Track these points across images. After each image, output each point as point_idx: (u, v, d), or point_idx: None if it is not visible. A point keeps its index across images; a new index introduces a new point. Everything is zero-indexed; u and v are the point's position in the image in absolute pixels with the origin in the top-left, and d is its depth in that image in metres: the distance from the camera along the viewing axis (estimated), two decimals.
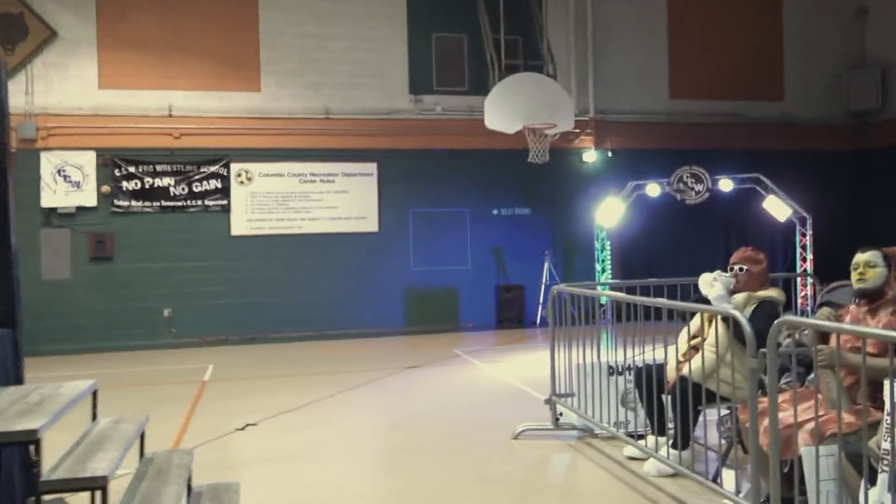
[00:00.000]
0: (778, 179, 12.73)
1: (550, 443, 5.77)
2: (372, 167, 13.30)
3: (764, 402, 3.66)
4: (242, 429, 6.46)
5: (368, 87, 13.32)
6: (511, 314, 13.28)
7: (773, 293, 5.03)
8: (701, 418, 4.79)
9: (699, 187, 12.54)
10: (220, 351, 11.61)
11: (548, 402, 6.01)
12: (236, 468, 5.33)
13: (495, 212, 13.87)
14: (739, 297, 4.98)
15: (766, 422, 3.58)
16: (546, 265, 13.55)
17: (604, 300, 9.70)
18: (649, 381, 5.04)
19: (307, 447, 5.87)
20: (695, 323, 5.08)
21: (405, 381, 8.56)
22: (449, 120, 13.56)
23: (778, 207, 11.90)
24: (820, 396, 3.87)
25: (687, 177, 12.64)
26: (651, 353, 5.24)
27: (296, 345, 12.04)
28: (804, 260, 11.80)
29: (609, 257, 13.71)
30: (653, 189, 12.93)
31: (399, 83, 13.48)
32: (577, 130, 13.59)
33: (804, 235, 11.79)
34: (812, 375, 4.86)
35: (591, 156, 14.10)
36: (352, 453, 5.71)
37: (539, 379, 8.33)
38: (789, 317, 4.71)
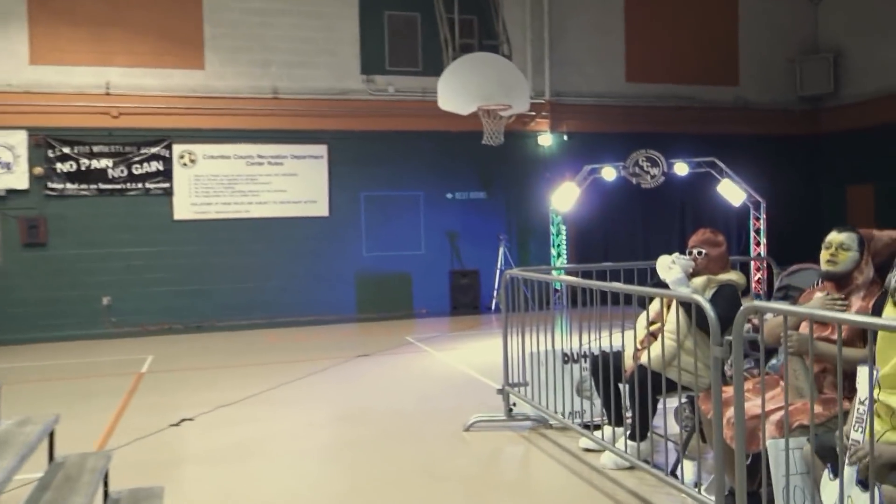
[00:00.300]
0: (733, 163, 12.65)
1: (503, 434, 5.49)
2: (322, 149, 12.84)
3: (728, 391, 3.42)
4: (177, 424, 6.05)
5: (318, 67, 12.83)
6: (466, 300, 13.01)
7: (733, 276, 4.81)
8: (659, 407, 4.55)
9: (655, 171, 12.40)
10: (163, 340, 11.09)
11: (500, 391, 5.74)
12: (165, 469, 4.94)
13: (450, 195, 13.55)
14: (698, 280, 4.75)
15: (729, 412, 3.34)
16: (501, 250, 13.29)
17: (558, 285, 9.49)
18: (606, 369, 4.80)
19: (245, 444, 5.49)
20: (653, 308, 4.84)
21: (354, 371, 8.21)
22: (402, 101, 13.16)
23: (732, 191, 11.82)
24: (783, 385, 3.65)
25: (643, 160, 12.48)
26: (608, 340, 5.00)
27: (243, 333, 11.58)
28: (758, 244, 11.76)
29: (564, 242, 13.51)
30: (608, 173, 12.74)
31: (350, 63, 13.02)
32: (533, 113, 13.32)
33: (758, 220, 11.74)
34: (773, 362, 4.68)
35: (546, 139, 13.86)
36: (292, 450, 5.36)
37: (493, 367, 8.06)
38: (757, 302, 4.47)
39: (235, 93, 12.36)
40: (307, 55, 12.75)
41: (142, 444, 5.51)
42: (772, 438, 3.13)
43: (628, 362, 4.70)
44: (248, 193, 12.47)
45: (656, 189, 12.61)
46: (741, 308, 3.09)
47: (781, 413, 3.35)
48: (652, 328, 4.78)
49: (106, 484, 3.87)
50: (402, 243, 13.28)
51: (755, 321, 4.28)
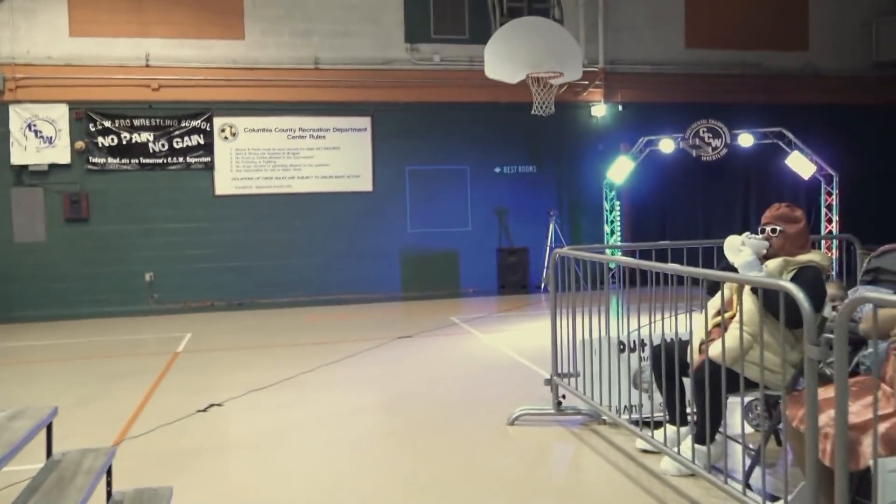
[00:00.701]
0: (802, 135, 11.77)
1: (551, 430, 5.00)
2: (365, 122, 12.40)
3: (829, 392, 2.83)
4: (205, 410, 5.71)
5: (361, 36, 12.35)
6: (514, 279, 12.47)
7: (814, 257, 4.15)
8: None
9: (717, 143, 11.61)
10: (203, 318, 10.87)
11: (549, 382, 5.23)
12: (185, 459, 4.59)
13: (498, 170, 12.98)
14: (773, 263, 4.12)
15: (823, 421, 2.78)
16: (552, 227, 12.70)
17: (613, 265, 8.89)
18: (669, 361, 4.24)
19: (272, 433, 5.12)
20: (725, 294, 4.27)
21: (395, 354, 7.80)
22: (448, 71, 12.61)
23: (802, 164, 10.97)
24: (888, 389, 3.07)
25: (704, 131, 11.70)
26: (669, 327, 4.45)
27: (285, 311, 11.30)
28: (830, 221, 10.91)
29: (619, 218, 12.84)
30: (667, 145, 12.00)
31: (394, 31, 12.50)
32: (586, 82, 12.63)
33: (830, 195, 10.87)
34: (862, 357, 4.08)
35: (600, 109, 13.15)
36: (321, 441, 4.96)
37: (542, 352, 7.55)
38: (869, 292, 3.83)
39: (277, 63, 11.98)
40: (349, 23, 12.27)
41: (165, 431, 5.18)
42: (880, 457, 2.56)
43: (695, 355, 4.14)
44: (289, 168, 12.13)
45: (718, 162, 11.82)
46: (848, 299, 2.52)
47: (890, 424, 2.78)
48: (718, 319, 4.19)
49: (110, 483, 3.51)
50: (448, 220, 12.80)
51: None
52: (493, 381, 6.53)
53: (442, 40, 12.64)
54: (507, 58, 10.31)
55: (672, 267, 4.23)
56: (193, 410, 5.69)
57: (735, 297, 4.09)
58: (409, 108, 12.48)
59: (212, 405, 5.83)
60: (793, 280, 3.97)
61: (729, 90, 13.38)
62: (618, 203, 12.81)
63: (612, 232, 12.83)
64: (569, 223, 13.19)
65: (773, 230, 4.14)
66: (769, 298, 3.40)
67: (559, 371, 5.21)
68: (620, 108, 13.20)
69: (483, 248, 12.87)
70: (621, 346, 5.07)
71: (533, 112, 10.45)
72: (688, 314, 4.73)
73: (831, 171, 10.83)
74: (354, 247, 12.36)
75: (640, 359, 5.01)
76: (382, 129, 12.44)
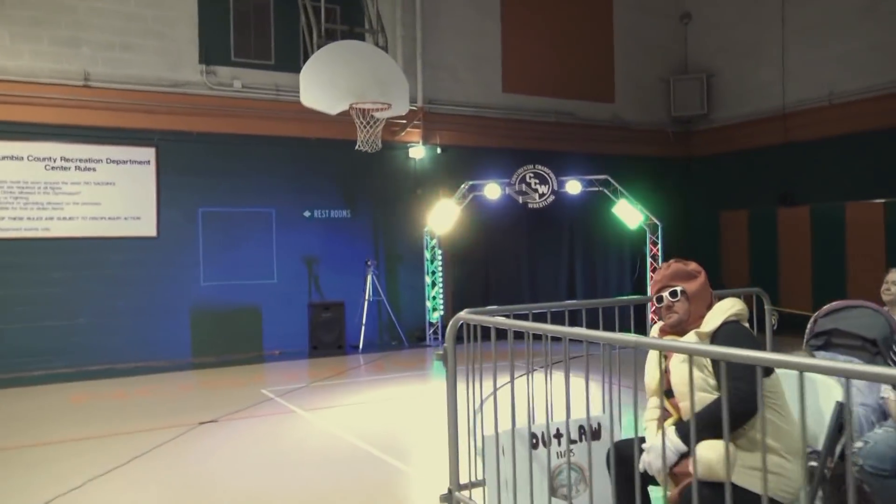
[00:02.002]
0: (622, 184, 11.58)
1: None
2: (149, 153, 10.30)
3: None
4: None
5: (145, 51, 10.32)
6: (329, 338, 10.86)
7: (733, 307, 3.13)
8: None
9: (543, 189, 11.04)
10: None
11: (447, 499, 3.80)
12: None
13: (308, 214, 11.43)
14: (686, 339, 3.13)
15: None
16: (370, 278, 11.34)
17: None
18: (626, 464, 3.04)
19: None
20: (648, 373, 3.23)
21: (199, 450, 5.91)
22: (251, 99, 10.93)
23: (629, 213, 10.67)
24: None
25: (530, 177, 11.09)
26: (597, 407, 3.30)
27: (39, 390, 8.72)
28: (654, 271, 10.68)
29: (440, 268, 11.80)
30: (492, 190, 11.22)
31: (186, 49, 10.61)
32: (404, 121, 11.59)
33: (655, 244, 10.66)
34: (860, 444, 3.19)
35: (418, 151, 12.13)
36: None
37: (391, 435, 6.11)
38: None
39: (32, 76, 9.58)
40: (130, 35, 10.21)
41: None
42: None
43: (663, 481, 2.96)
44: (47, 206, 9.67)
45: (543, 210, 11.24)
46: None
47: None
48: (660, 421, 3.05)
49: None
50: (249, 270, 10.97)
51: None
52: (344, 486, 4.95)
53: (244, 64, 10.95)
54: (326, 84, 8.98)
55: (619, 338, 2.99)
56: None
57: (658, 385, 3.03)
58: (203, 139, 10.59)
59: None
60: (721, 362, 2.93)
61: (545, 137, 13.05)
62: (439, 252, 11.78)
63: (434, 283, 11.75)
64: (386, 273, 11.91)
65: (673, 293, 3.15)
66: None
67: (460, 481, 3.80)
68: (439, 150, 12.29)
69: (291, 302, 11.18)
70: (534, 440, 3.83)
71: (357, 147, 9.17)
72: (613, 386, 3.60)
73: (656, 220, 10.64)
74: (132, 304, 10.11)
75: (560, 453, 3.80)
76: (170, 162, 10.41)
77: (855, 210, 12.13)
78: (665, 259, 10.80)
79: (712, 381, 2.90)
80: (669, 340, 3.10)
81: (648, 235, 10.75)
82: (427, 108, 12.19)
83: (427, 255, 11.75)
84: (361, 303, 11.28)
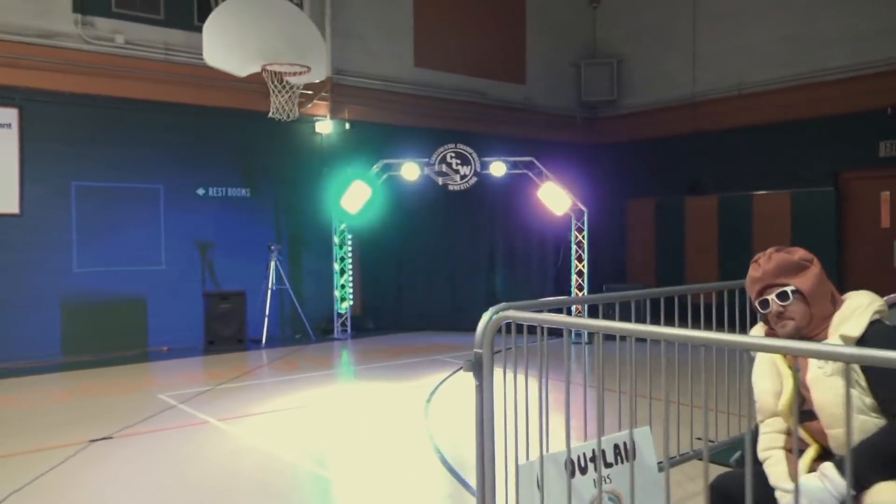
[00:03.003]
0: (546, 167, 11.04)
1: None
2: (10, 115, 8.67)
3: None
4: None
5: None
6: (227, 332, 9.62)
7: (873, 302, 2.50)
8: None
9: (465, 170, 10.29)
10: None
11: None
12: None
13: (201, 192, 10.10)
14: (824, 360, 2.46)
15: None
16: (273, 264, 10.19)
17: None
18: None
19: None
20: (766, 371, 2.51)
21: (95, 477, 4.72)
22: (136, 59, 9.47)
23: (556, 197, 10.13)
24: None
25: (452, 157, 10.31)
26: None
27: None
28: (580, 259, 10.22)
29: (349, 254, 10.81)
30: (410, 170, 10.35)
31: None
32: (311, 92, 10.48)
33: (581, 231, 10.18)
34: None
35: (325, 126, 11.06)
36: None
37: (340, 451, 5.15)
38: None
39: None
40: None
41: None
42: None
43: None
44: None
45: (464, 194, 10.49)
46: None
47: None
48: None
49: None
50: (132, 255, 9.54)
51: None
52: None
53: (127, 17, 9.45)
54: (234, 43, 7.81)
55: (694, 335, 2.25)
56: None
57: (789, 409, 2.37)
58: (78, 101, 9.06)
59: None
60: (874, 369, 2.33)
61: (460, 117, 12.31)
62: (349, 236, 10.79)
63: (343, 271, 10.75)
64: (289, 260, 10.79)
65: (782, 295, 2.46)
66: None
67: None
68: (348, 125, 11.26)
69: (181, 292, 9.85)
70: (571, 467, 3.08)
71: (270, 115, 8.05)
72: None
73: (582, 206, 10.17)
74: None
75: (599, 481, 3.08)
76: (37, 127, 8.81)
77: (762, 201, 12.25)
78: (590, 248, 10.42)
79: (868, 401, 2.23)
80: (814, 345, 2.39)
81: (574, 222, 10.24)
82: (336, 79, 11.11)
83: (336, 239, 10.73)
84: (263, 292, 10.12)
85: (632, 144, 13.89)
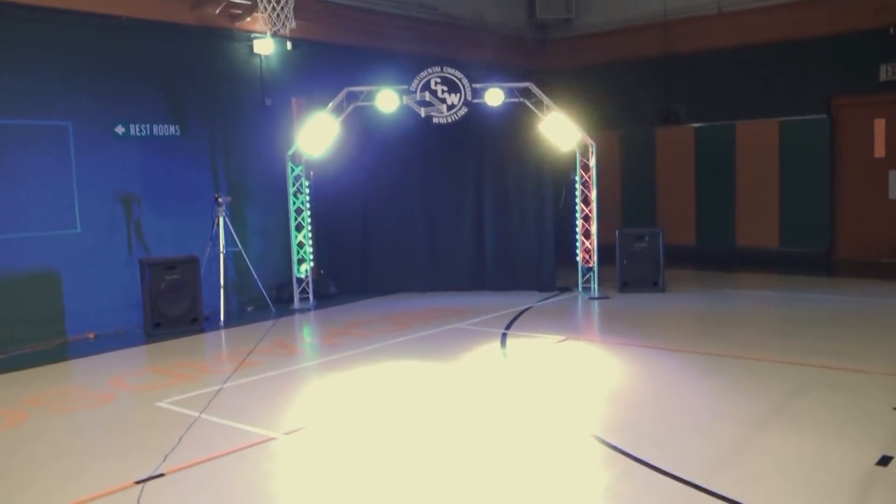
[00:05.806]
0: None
1: None
2: None
3: None
4: None
5: None
6: (176, 310, 8.13)
7: None
8: None
9: (454, 99, 9.30)
10: None
11: None
12: None
13: (121, 130, 8.45)
14: None
15: None
16: (221, 220, 8.80)
17: None
18: None
19: None
20: None
21: None
22: None
23: (563, 130, 9.40)
24: None
25: (437, 83, 9.28)
26: None
27: None
28: (587, 203, 9.60)
29: (307, 203, 9.56)
30: (387, 100, 9.22)
31: None
32: (248, 1, 9.01)
33: (587, 169, 9.54)
34: None
35: (265, 46, 9.61)
36: None
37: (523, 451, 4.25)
38: None
39: None
40: None
41: None
42: None
43: None
44: None
45: (448, 128, 9.49)
46: None
47: None
48: None
49: None
50: (36, 217, 7.84)
51: None
52: None
53: None
54: None
55: None
56: None
57: None
58: None
59: None
60: None
61: (408, 37, 11.22)
62: (307, 183, 9.54)
63: (300, 227, 9.51)
64: (232, 214, 9.37)
65: None
66: None
67: None
68: (289, 45, 9.87)
69: (104, 261, 8.27)
70: None
71: (270, 34, 6.73)
72: None
73: (590, 140, 9.48)
74: None
75: None
76: None
77: (746, 130, 12.21)
78: (598, 186, 9.82)
79: None
80: None
81: (578, 157, 9.59)
82: None
83: (290, 188, 9.45)
84: (213, 257, 8.73)
85: (592, 69, 13.38)
